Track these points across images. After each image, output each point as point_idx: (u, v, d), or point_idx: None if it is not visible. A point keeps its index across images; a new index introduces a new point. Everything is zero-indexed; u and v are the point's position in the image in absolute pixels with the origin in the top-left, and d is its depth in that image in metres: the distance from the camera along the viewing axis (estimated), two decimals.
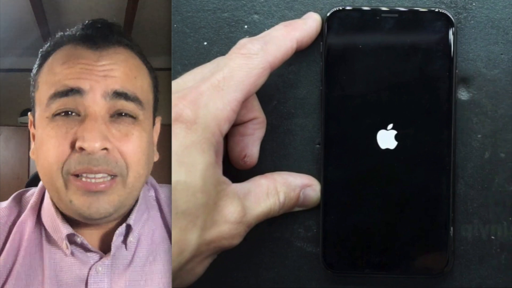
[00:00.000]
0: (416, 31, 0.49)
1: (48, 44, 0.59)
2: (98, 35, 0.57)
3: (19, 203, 0.61)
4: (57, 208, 0.56)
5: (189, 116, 0.44)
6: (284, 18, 0.52)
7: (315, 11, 0.51)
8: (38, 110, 0.57)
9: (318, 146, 0.52)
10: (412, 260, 0.50)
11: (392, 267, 0.50)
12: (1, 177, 2.68)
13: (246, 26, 0.52)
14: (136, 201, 0.58)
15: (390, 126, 0.49)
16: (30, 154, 0.59)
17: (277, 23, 0.50)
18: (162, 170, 0.62)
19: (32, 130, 0.59)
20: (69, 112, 0.54)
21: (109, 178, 0.54)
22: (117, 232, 0.56)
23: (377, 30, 0.49)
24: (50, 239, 0.57)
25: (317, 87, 0.52)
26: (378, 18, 0.49)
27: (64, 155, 0.53)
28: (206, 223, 0.44)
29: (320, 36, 0.50)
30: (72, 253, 0.56)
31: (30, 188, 0.62)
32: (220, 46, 0.52)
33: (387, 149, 0.49)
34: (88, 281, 0.55)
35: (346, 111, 0.50)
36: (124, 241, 0.57)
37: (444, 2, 0.51)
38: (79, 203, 0.53)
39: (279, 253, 0.52)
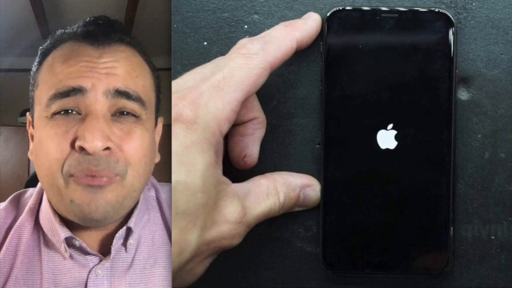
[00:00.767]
0: (416, 31, 0.49)
1: (48, 41, 0.58)
2: (100, 32, 0.55)
3: (17, 205, 0.60)
4: (55, 211, 0.56)
5: (189, 116, 0.44)
6: (284, 18, 0.52)
7: (315, 11, 0.51)
8: (37, 109, 0.56)
9: (318, 146, 0.52)
10: (412, 260, 0.50)
11: (392, 267, 0.50)
12: (1, 177, 2.68)
13: (246, 26, 0.52)
14: (137, 203, 0.58)
15: (390, 126, 0.49)
16: (29, 155, 0.58)
17: (277, 23, 0.50)
18: (161, 171, 0.61)
19: (30, 130, 0.58)
20: (69, 111, 0.53)
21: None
22: (117, 235, 0.55)
23: (377, 30, 0.49)
24: (48, 243, 0.56)
25: (317, 87, 0.52)
26: (378, 18, 0.49)
27: (64, 154, 0.52)
28: (206, 223, 0.44)
29: (320, 36, 0.50)
30: (71, 256, 0.55)
31: (28, 189, 0.61)
32: (220, 46, 0.52)
33: (387, 149, 0.49)
34: (88, 285, 0.54)
35: (346, 111, 0.50)
36: (124, 244, 0.57)
37: (444, 2, 0.51)
38: (80, 200, 0.52)
39: (279, 253, 0.52)
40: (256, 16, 0.52)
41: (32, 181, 0.88)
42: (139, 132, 0.54)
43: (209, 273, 0.46)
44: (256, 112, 0.50)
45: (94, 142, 0.51)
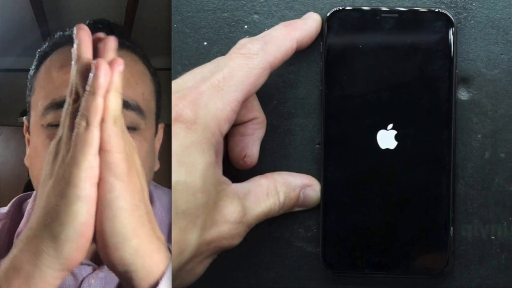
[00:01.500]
0: (416, 31, 0.49)
1: (46, 44, 0.57)
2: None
3: (19, 209, 0.59)
4: None
5: (189, 116, 0.44)
6: (284, 18, 0.52)
7: (315, 11, 0.51)
8: (33, 116, 0.55)
9: (318, 146, 0.52)
10: (412, 260, 0.50)
11: (392, 267, 0.50)
12: (1, 177, 2.68)
13: (246, 26, 0.52)
14: None
15: (390, 126, 0.49)
16: (25, 161, 0.57)
17: (277, 23, 0.50)
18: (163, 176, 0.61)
19: (26, 135, 0.57)
20: None
21: None
22: None
23: (377, 30, 0.49)
24: None
25: (317, 87, 0.52)
26: (378, 18, 0.49)
27: None
28: (206, 223, 0.44)
29: (320, 36, 0.50)
30: None
31: (30, 192, 0.61)
32: (220, 46, 0.52)
33: (387, 149, 0.49)
34: None
35: (346, 111, 0.50)
36: None
37: (444, 2, 0.51)
38: None
39: (279, 253, 0.52)
40: (256, 16, 0.52)
41: (31, 182, 0.87)
42: (136, 144, 0.52)
43: (209, 273, 0.46)
44: (256, 112, 0.50)
45: None
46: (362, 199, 0.50)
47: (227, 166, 0.48)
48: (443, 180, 0.49)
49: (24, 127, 0.58)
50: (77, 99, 0.44)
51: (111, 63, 0.43)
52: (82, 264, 0.54)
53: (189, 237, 0.43)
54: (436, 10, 0.49)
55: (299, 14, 0.51)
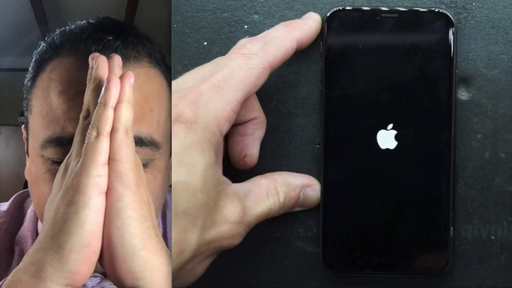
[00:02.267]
0: (416, 31, 0.49)
1: (44, 46, 0.53)
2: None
3: (21, 208, 0.58)
4: None
5: (189, 116, 0.44)
6: (284, 18, 0.52)
7: (315, 11, 0.51)
8: (32, 140, 0.51)
9: (318, 146, 0.52)
10: (412, 260, 0.50)
11: (392, 267, 0.50)
12: (1, 177, 2.68)
13: (246, 26, 0.52)
14: None
15: (390, 126, 0.49)
16: (25, 174, 0.54)
17: (277, 23, 0.50)
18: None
19: (26, 146, 0.54)
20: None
21: None
22: None
23: (377, 30, 0.49)
24: None
25: (317, 87, 0.52)
26: (378, 18, 0.49)
27: None
28: (206, 223, 0.44)
29: (320, 36, 0.50)
30: None
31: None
32: (220, 46, 0.52)
33: (387, 149, 0.49)
34: None
35: (346, 111, 0.50)
36: None
37: (444, 2, 0.51)
38: None
39: (279, 253, 0.52)
40: (256, 16, 0.52)
41: None
42: (149, 179, 0.50)
43: (209, 273, 0.46)
44: (256, 112, 0.50)
45: None
46: (362, 199, 0.50)
47: (227, 166, 0.48)
48: (443, 180, 0.49)
49: (23, 137, 0.55)
50: (87, 116, 0.44)
51: (121, 76, 0.43)
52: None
53: (189, 237, 0.43)
54: (436, 10, 0.49)
55: (299, 14, 0.51)
